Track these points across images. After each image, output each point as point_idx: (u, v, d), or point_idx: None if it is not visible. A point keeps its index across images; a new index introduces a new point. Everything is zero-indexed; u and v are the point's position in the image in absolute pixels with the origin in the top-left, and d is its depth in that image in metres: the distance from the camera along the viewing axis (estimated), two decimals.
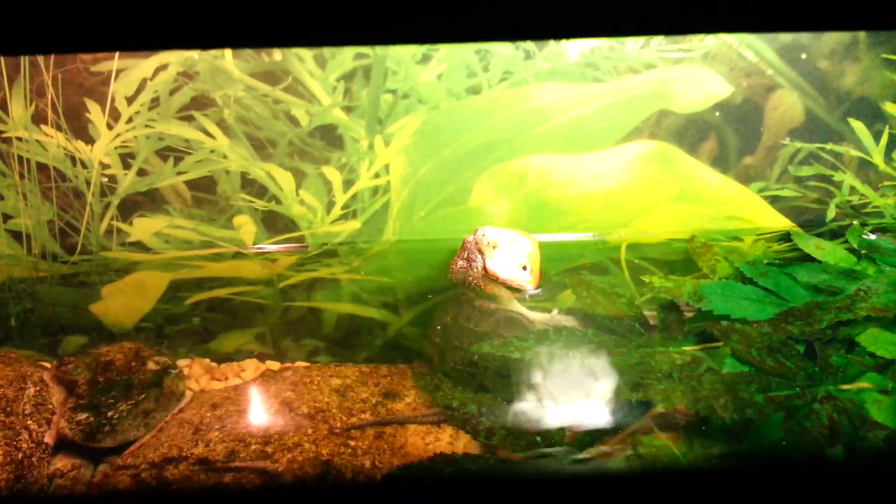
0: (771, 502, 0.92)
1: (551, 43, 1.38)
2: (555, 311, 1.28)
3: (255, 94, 1.40)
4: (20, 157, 1.41)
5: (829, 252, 1.38)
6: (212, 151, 1.43)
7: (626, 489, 0.97)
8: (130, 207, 1.48)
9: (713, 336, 1.17)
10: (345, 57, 1.38)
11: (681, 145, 1.46)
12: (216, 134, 1.42)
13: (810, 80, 1.41)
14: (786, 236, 1.48)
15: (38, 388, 1.12)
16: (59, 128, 1.40)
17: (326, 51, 1.37)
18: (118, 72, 1.37)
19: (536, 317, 1.26)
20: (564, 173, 1.48)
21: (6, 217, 1.46)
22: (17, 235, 1.47)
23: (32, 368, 1.16)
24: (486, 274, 1.35)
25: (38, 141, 1.41)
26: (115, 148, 1.42)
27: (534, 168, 1.48)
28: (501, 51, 1.38)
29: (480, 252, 1.36)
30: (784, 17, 0.52)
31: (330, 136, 1.44)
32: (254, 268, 1.49)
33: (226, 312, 1.39)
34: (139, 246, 1.51)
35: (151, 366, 1.17)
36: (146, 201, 1.47)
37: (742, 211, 1.51)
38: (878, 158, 1.47)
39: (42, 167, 1.43)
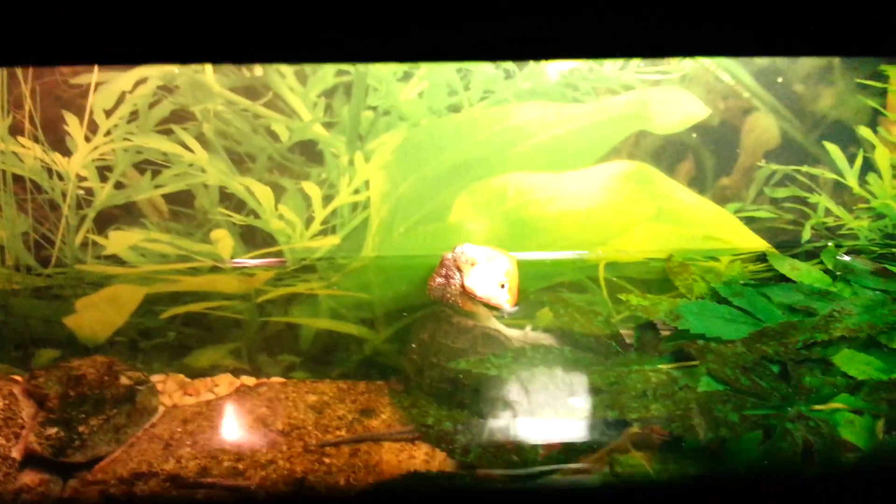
0: None
1: (531, 63, 1.39)
2: (528, 329, 1.29)
3: (235, 109, 1.40)
4: None
5: (804, 273, 1.39)
6: (190, 165, 1.43)
7: None
8: (107, 220, 1.47)
9: (689, 355, 1.18)
10: (326, 73, 1.39)
11: (658, 166, 1.48)
12: (195, 148, 1.42)
13: (786, 104, 1.43)
14: (762, 257, 1.50)
15: (7, 402, 1.10)
16: (36, 139, 1.39)
17: (307, 67, 1.37)
18: (97, 84, 1.37)
19: (514, 334, 1.27)
20: (544, 192, 1.49)
21: None
22: None
23: (3, 381, 1.15)
24: (464, 291, 1.35)
25: (14, 152, 1.40)
26: (93, 160, 1.41)
27: (513, 186, 1.48)
28: (482, 70, 1.39)
29: (459, 269, 1.36)
30: (759, 44, 0.53)
31: (310, 151, 1.44)
32: (231, 282, 1.48)
33: (201, 327, 1.38)
34: (114, 259, 1.50)
35: (124, 380, 1.16)
36: (123, 214, 1.46)
37: (719, 231, 1.53)
38: (852, 181, 1.49)
39: (18, 179, 1.42)
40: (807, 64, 1.42)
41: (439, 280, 1.37)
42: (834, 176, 1.49)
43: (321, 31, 0.53)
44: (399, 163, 1.46)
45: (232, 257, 1.52)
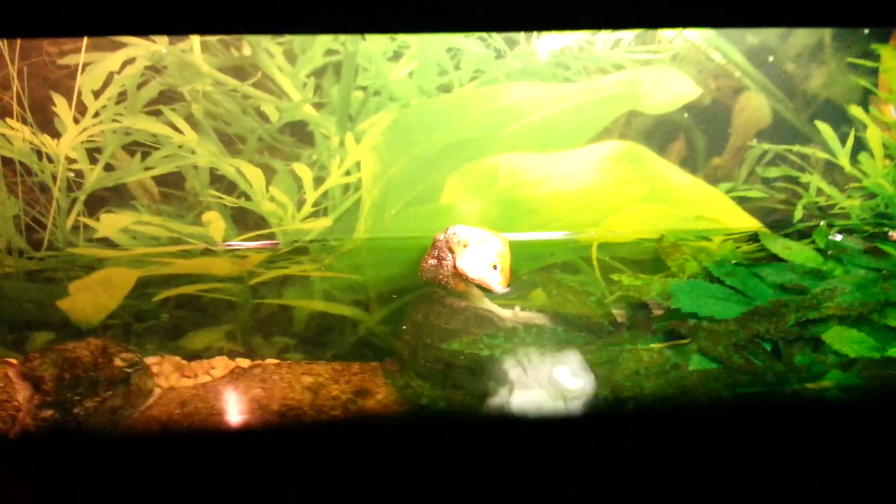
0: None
1: (522, 42, 1.40)
2: (517, 309, 1.30)
3: (224, 89, 1.40)
4: None
5: (796, 252, 1.41)
6: (180, 147, 1.44)
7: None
8: (97, 203, 1.47)
9: (681, 334, 1.19)
10: (315, 53, 1.39)
11: (650, 146, 1.49)
12: (184, 129, 1.42)
13: (777, 83, 1.45)
14: (754, 236, 1.51)
15: (2, 385, 1.11)
16: (24, 121, 1.39)
17: (297, 46, 1.38)
18: (85, 65, 1.37)
19: (507, 314, 1.28)
20: (535, 172, 1.50)
21: None
22: None
23: None
24: (456, 273, 1.37)
25: (3, 134, 1.40)
26: (82, 142, 1.42)
27: (505, 167, 1.49)
28: (472, 49, 1.40)
29: (451, 251, 1.38)
30: (750, 15, 0.54)
31: (300, 132, 1.45)
32: (223, 265, 1.49)
33: (195, 310, 1.39)
34: (106, 242, 1.50)
35: (118, 363, 1.17)
36: (113, 197, 1.47)
37: (710, 211, 1.54)
38: (843, 161, 1.51)
39: (7, 161, 1.42)
40: (798, 43, 1.43)
41: (431, 262, 1.39)
42: (826, 155, 1.51)
43: (308, 2, 0.53)
44: (390, 144, 1.47)
45: (224, 239, 1.53)
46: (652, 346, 1.18)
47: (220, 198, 1.49)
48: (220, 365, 1.25)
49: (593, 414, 1.08)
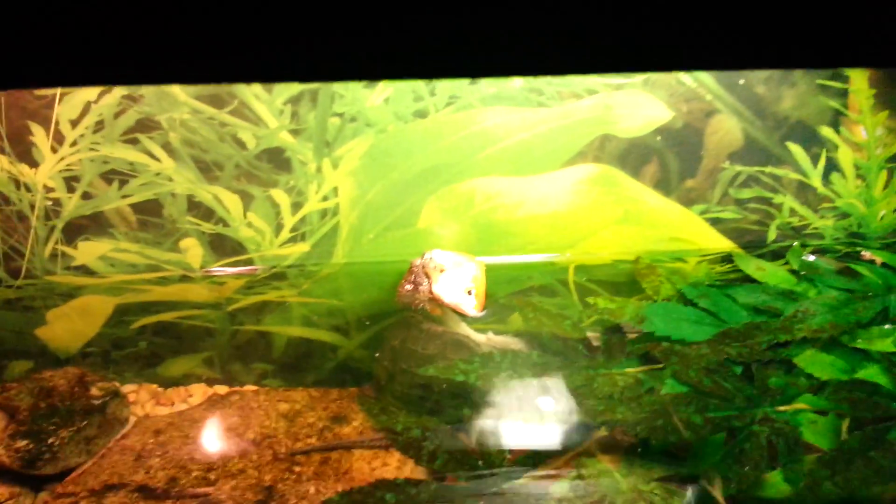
0: None
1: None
2: (489, 334, 1.32)
3: (201, 117, 1.42)
4: None
5: (769, 273, 1.44)
6: (157, 174, 1.46)
7: None
8: (75, 231, 1.49)
9: (656, 358, 1.22)
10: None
11: (624, 169, 1.52)
12: (161, 157, 1.44)
13: (748, 105, 1.48)
14: (728, 257, 1.54)
15: None
16: (2, 151, 1.41)
17: None
18: (62, 95, 1.39)
19: (482, 339, 1.30)
20: (511, 196, 1.53)
21: None
22: None
23: None
24: (433, 298, 1.39)
25: None
26: (60, 171, 1.44)
27: (481, 191, 1.52)
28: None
29: (427, 276, 1.40)
30: (723, 58, 0.56)
31: (277, 159, 1.47)
32: (201, 291, 1.51)
33: (173, 337, 1.41)
34: (84, 270, 1.52)
35: (95, 391, 1.18)
36: (91, 225, 1.49)
37: (685, 233, 1.57)
38: (816, 181, 1.54)
39: None
40: None
41: (408, 287, 1.41)
42: (798, 176, 1.54)
43: (286, 49, 0.55)
44: (367, 169, 1.49)
45: (202, 266, 1.55)
46: (627, 370, 1.20)
47: (198, 224, 1.51)
48: (199, 392, 1.27)
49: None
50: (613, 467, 1.06)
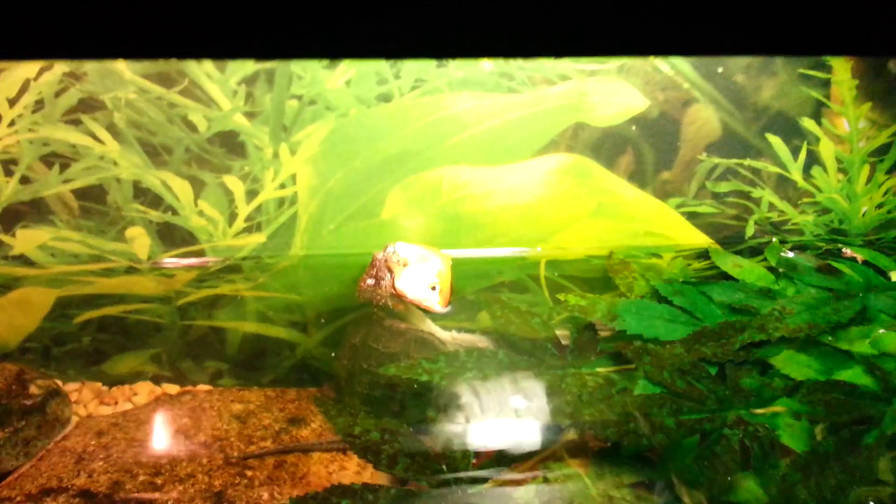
0: None
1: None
2: (453, 332, 1.32)
3: (149, 97, 1.40)
4: None
5: (746, 270, 1.45)
6: (101, 158, 1.43)
7: None
8: (13, 218, 1.46)
9: (628, 357, 1.22)
10: (246, 59, 1.39)
11: (598, 159, 1.52)
12: (106, 139, 1.41)
13: (727, 95, 1.48)
14: (704, 253, 1.55)
15: None
16: None
17: None
18: None
19: (447, 337, 1.30)
20: (480, 186, 1.52)
21: None
22: None
23: None
24: (395, 293, 1.38)
25: None
26: None
27: (448, 180, 1.51)
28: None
29: (390, 270, 1.39)
30: (700, 43, 0.56)
31: (231, 143, 1.45)
32: (148, 284, 1.49)
33: (119, 332, 1.38)
34: (23, 260, 1.49)
35: (34, 390, 1.16)
36: (30, 211, 1.46)
37: (660, 227, 1.58)
38: (796, 175, 1.55)
39: None
40: None
41: (369, 281, 1.40)
42: (777, 169, 1.55)
43: (240, 24, 0.54)
44: (327, 155, 1.48)
45: (149, 257, 1.52)
46: (597, 370, 1.21)
47: (145, 212, 1.48)
48: (144, 391, 1.25)
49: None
50: (583, 471, 1.06)
